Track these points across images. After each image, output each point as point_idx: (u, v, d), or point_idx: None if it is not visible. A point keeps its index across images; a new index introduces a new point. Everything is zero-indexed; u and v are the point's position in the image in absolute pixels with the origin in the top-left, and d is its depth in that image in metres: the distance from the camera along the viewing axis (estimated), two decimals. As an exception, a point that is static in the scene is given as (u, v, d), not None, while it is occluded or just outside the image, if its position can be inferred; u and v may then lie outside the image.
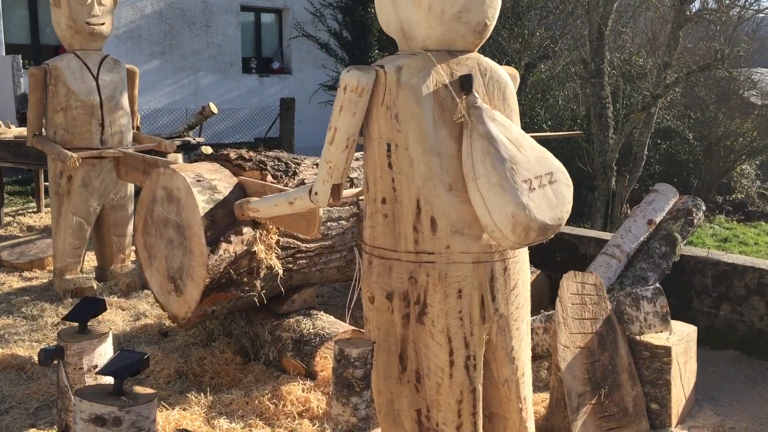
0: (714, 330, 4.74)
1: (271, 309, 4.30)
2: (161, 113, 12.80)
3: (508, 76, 2.93)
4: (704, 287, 4.83)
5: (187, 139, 8.16)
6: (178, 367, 4.23)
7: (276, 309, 4.28)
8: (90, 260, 6.35)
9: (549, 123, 12.08)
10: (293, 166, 4.24)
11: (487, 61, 2.88)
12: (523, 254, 2.93)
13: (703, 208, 4.95)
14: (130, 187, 5.98)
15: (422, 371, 2.78)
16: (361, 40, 14.17)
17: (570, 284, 3.57)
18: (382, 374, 2.88)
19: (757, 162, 15.94)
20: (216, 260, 3.75)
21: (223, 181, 3.95)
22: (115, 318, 5.04)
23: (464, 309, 2.73)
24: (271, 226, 3.92)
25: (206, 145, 8.97)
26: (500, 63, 3.11)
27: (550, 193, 2.65)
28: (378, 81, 2.70)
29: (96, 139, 5.65)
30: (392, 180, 2.72)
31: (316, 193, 2.80)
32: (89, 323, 3.15)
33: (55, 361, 2.97)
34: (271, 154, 4.32)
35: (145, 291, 5.61)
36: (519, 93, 2.48)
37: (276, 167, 4.16)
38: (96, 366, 3.15)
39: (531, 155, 2.67)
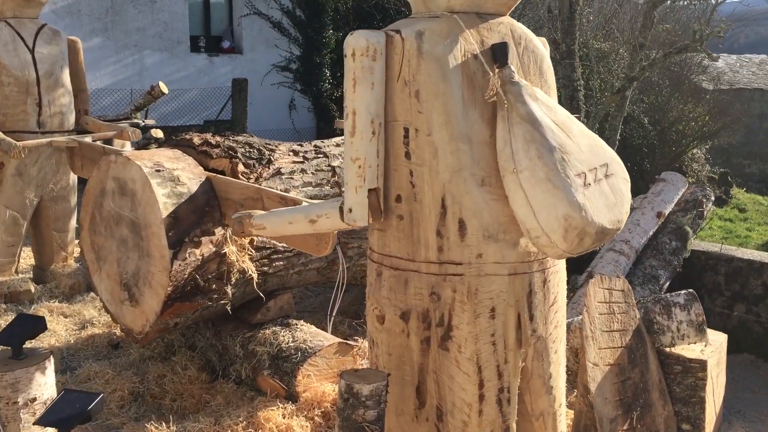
0: (727, 332, 4.32)
1: (242, 318, 3.72)
2: (104, 93, 11.98)
3: (543, 47, 2.42)
4: (716, 285, 4.42)
5: (136, 121, 7.45)
6: (133, 387, 3.63)
7: (248, 318, 3.70)
8: (27, 258, 5.64)
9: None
10: (267, 153, 3.67)
11: (521, 28, 2.36)
12: (562, 262, 2.44)
13: (713, 198, 4.54)
14: (73, 176, 5.30)
15: (445, 407, 2.29)
16: (315, 20, 13.53)
17: (597, 291, 3.09)
18: (393, 410, 2.38)
19: (707, 146, 15.93)
20: (180, 265, 3.17)
21: (187, 171, 3.35)
22: (57, 327, 4.38)
23: (498, 331, 2.24)
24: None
25: (155, 128, 8.27)
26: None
27: (606, 189, 2.16)
28: (393, 49, 2.16)
29: (32, 121, 4.97)
30: (410, 173, 2.20)
31: (350, 210, 2.17)
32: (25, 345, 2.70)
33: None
34: (240, 139, 3.73)
35: (92, 294, 4.96)
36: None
37: (247, 155, 3.58)
38: (34, 399, 2.74)
39: (582, 143, 2.18)
